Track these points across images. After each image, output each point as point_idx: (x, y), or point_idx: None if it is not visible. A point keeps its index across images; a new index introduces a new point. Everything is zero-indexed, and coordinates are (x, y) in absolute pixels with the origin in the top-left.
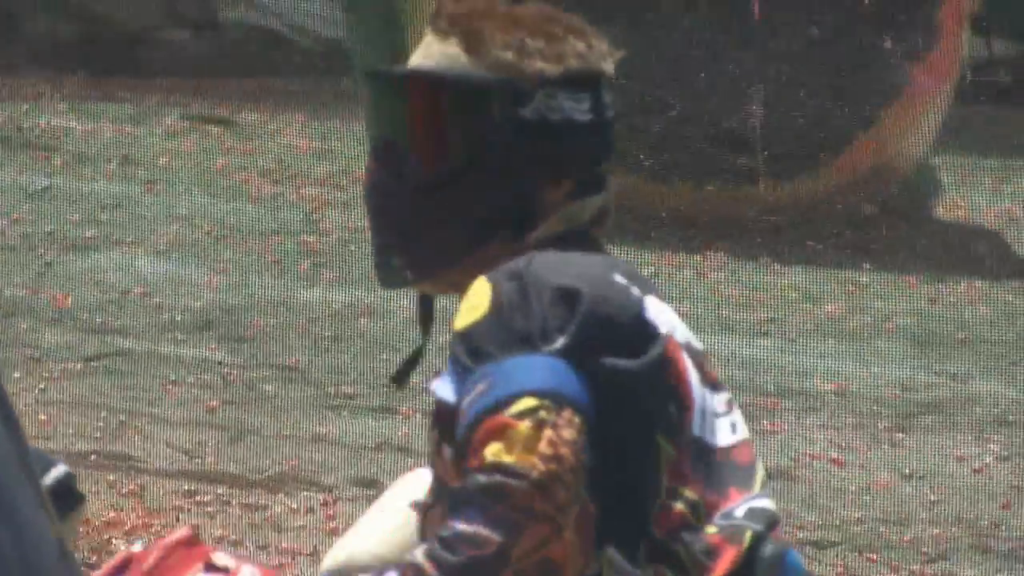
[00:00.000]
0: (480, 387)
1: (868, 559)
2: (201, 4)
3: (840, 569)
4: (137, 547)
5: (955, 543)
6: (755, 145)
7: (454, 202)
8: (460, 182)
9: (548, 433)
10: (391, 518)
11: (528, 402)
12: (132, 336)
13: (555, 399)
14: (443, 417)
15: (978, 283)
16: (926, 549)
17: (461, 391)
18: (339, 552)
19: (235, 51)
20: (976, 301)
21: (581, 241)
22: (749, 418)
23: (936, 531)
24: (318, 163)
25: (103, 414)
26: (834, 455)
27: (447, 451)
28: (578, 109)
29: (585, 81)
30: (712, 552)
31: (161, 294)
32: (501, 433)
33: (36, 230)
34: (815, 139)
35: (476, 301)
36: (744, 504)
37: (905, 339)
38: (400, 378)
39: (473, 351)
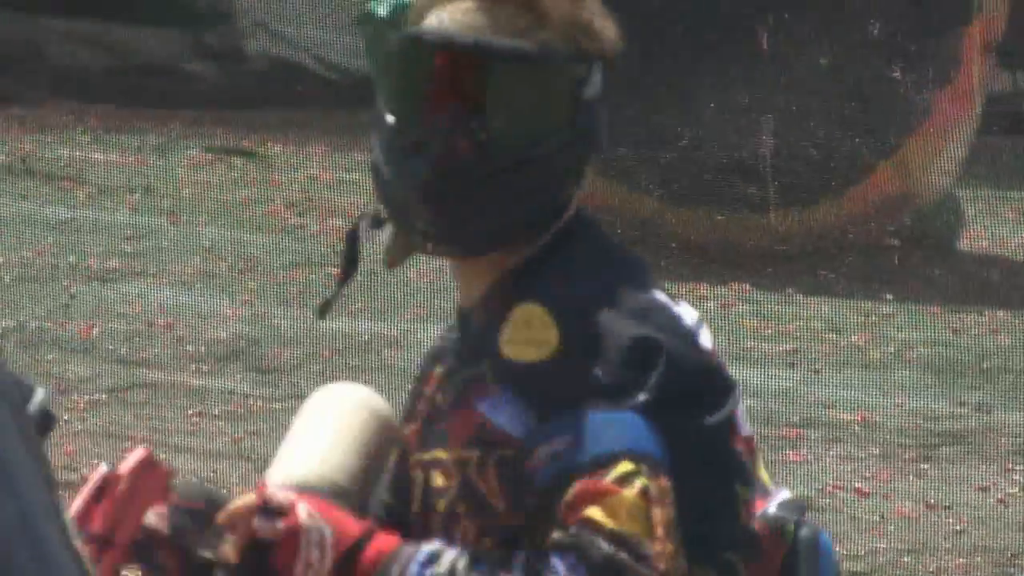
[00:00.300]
0: (565, 440)
1: None
2: (225, 36)
3: None
4: (103, 468)
5: (979, 573)
6: (766, 175)
7: (528, 182)
8: (535, 162)
9: (658, 512)
10: (338, 437)
11: (626, 466)
12: (156, 367)
13: (651, 464)
14: (491, 439)
15: (1000, 313)
16: None
17: (527, 428)
18: (291, 469)
19: (259, 83)
20: (998, 332)
21: (595, 226)
22: (775, 449)
23: (960, 560)
24: (341, 194)
25: (127, 444)
26: (858, 485)
27: (493, 472)
28: (600, 90)
29: (606, 61)
30: (764, 552)
31: (185, 325)
32: (602, 498)
33: (60, 261)
34: (826, 169)
35: (539, 335)
36: (774, 500)
37: (928, 369)
38: (324, 310)
39: (543, 392)
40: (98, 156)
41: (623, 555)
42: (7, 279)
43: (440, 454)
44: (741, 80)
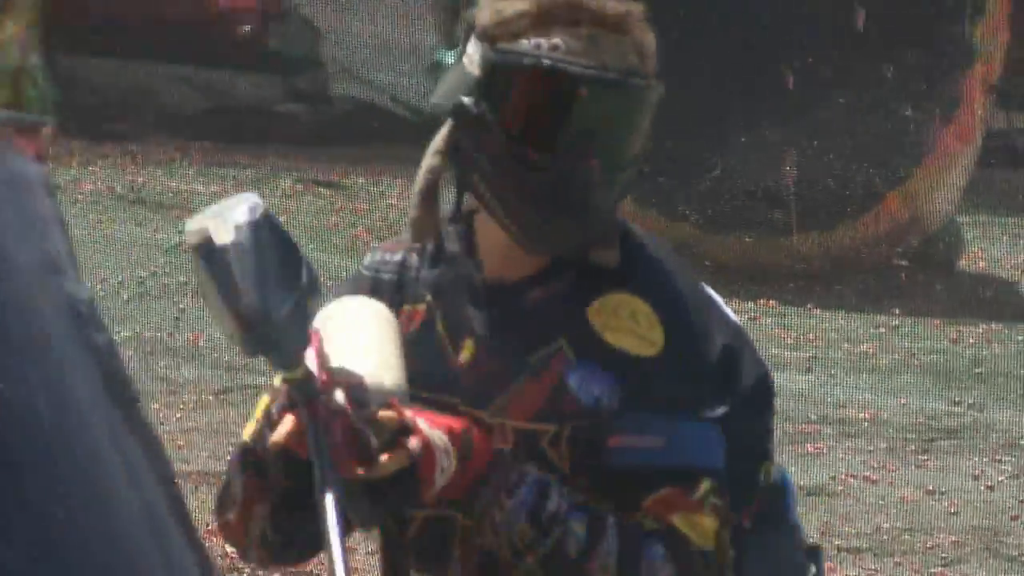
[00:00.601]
0: (656, 440)
1: (895, 563)
2: (314, 81)
3: (871, 571)
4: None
5: (968, 548)
6: (789, 202)
7: (619, 194)
8: (628, 177)
9: (724, 534)
10: (384, 343)
11: (707, 485)
12: (255, 372)
13: (721, 480)
14: (569, 411)
15: (994, 325)
16: (944, 554)
17: (611, 406)
18: (372, 379)
19: (343, 122)
20: (991, 341)
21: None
22: (796, 442)
23: (953, 538)
24: None
25: (234, 439)
26: (867, 474)
27: (566, 443)
28: None
29: None
30: None
31: None
32: (688, 512)
33: (171, 280)
34: (842, 197)
35: (647, 333)
36: None
37: (928, 374)
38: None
39: (642, 386)
40: (201, 187)
41: (703, 572)
42: (125, 296)
43: (496, 417)
44: (768, 117)
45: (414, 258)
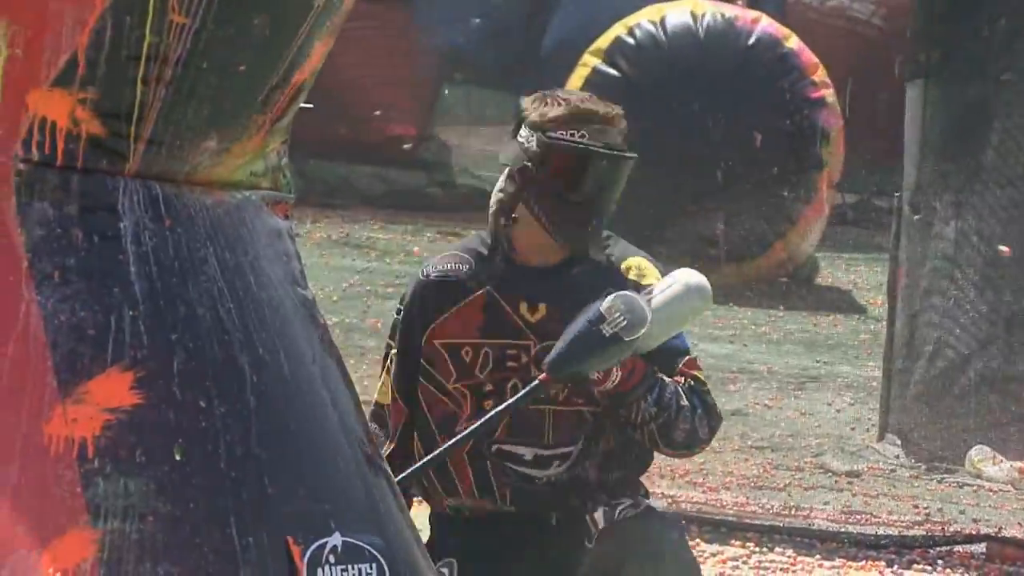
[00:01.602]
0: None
1: (782, 455)
2: (446, 174)
3: (770, 459)
4: None
5: (827, 446)
6: (719, 241)
7: (609, 217)
8: (613, 206)
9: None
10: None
11: (690, 355)
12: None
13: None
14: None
15: (837, 316)
16: (813, 450)
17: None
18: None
19: (465, 200)
20: (837, 325)
21: None
22: (724, 383)
23: (816, 440)
24: None
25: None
26: (766, 403)
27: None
28: None
29: None
30: None
31: None
32: (697, 369)
33: (360, 290)
34: (752, 241)
35: (655, 273)
36: None
37: (801, 343)
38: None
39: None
40: (382, 236)
41: (711, 399)
42: (334, 297)
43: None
44: (704, 194)
45: (472, 263)
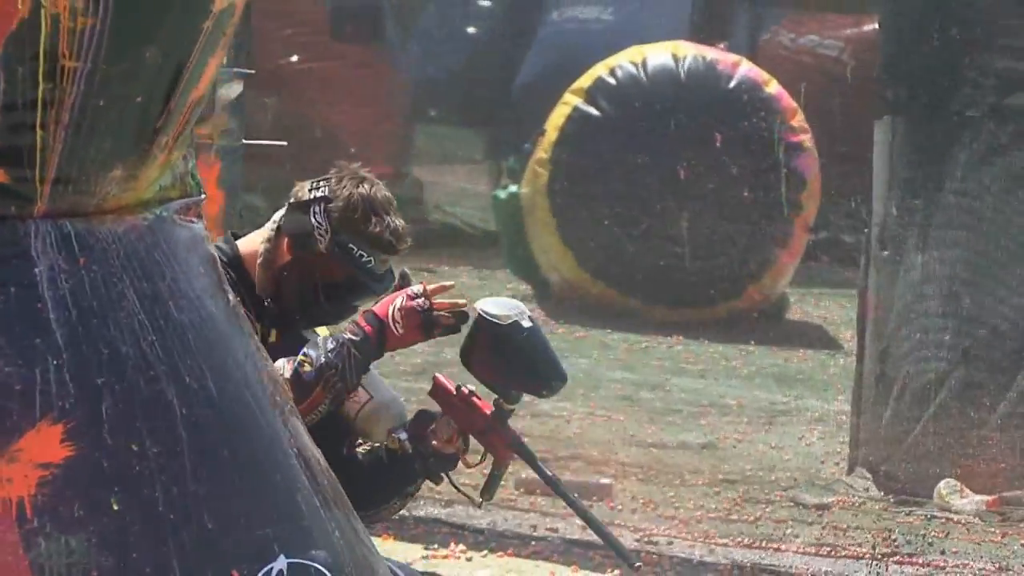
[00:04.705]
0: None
1: (755, 487)
2: (416, 213)
3: (743, 493)
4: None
5: (797, 480)
6: (695, 280)
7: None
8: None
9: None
10: None
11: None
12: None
13: None
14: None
15: (804, 351)
16: (783, 483)
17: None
18: None
19: (436, 238)
20: (805, 359)
21: None
22: (694, 417)
23: (787, 473)
24: None
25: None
26: (737, 436)
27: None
28: None
29: None
30: None
31: None
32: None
33: None
34: (730, 283)
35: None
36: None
37: (771, 377)
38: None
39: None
40: None
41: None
42: None
43: None
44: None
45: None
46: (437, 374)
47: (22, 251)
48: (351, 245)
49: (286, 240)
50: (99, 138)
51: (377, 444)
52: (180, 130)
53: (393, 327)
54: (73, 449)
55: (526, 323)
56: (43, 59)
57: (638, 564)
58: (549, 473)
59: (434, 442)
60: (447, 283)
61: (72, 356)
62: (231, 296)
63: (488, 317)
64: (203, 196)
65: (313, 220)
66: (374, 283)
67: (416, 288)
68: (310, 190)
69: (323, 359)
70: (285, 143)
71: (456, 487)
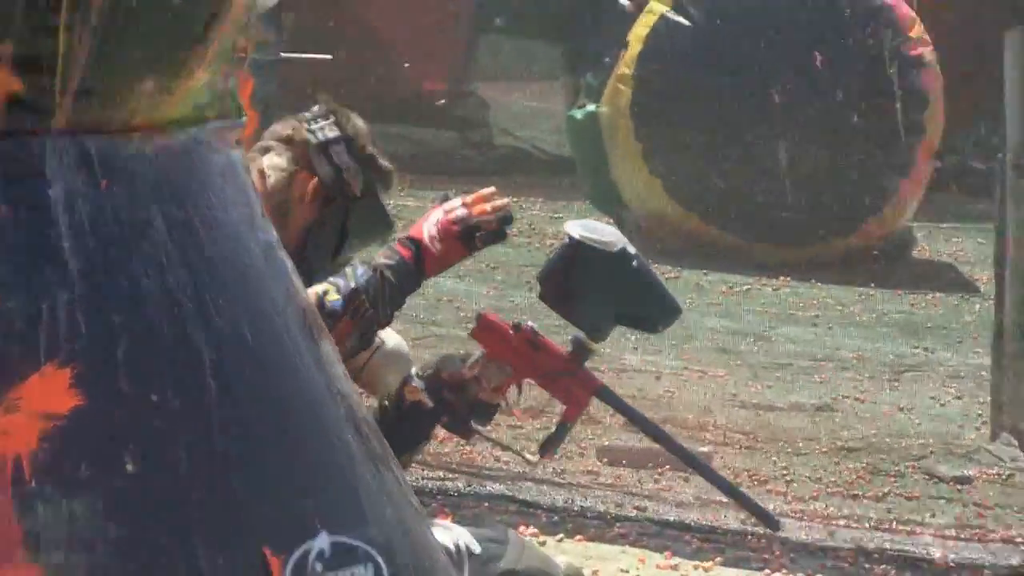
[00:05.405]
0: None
1: (879, 458)
2: (483, 135)
3: (865, 464)
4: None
5: (930, 448)
6: (803, 214)
7: None
8: None
9: None
10: None
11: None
12: (441, 326)
13: None
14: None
15: (936, 294)
16: (913, 452)
17: None
18: None
19: (503, 161)
20: (936, 304)
21: None
22: (807, 374)
23: (919, 441)
24: (552, 224)
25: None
26: (857, 396)
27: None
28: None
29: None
30: None
31: (458, 302)
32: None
33: None
34: (847, 215)
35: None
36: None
37: (895, 327)
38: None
39: None
40: (411, 203)
41: None
42: None
43: None
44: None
45: None
46: (484, 311)
47: (35, 170)
48: (377, 183)
49: (311, 188)
50: (130, 44)
51: (385, 400)
52: (222, 40)
53: (431, 244)
54: (82, 398)
55: (632, 249)
56: None
57: (779, 523)
58: (649, 421)
59: (479, 391)
60: (486, 190)
61: (86, 290)
62: (272, 232)
63: (591, 243)
64: (243, 119)
65: (339, 162)
66: (391, 221)
67: (453, 201)
68: (313, 131)
69: (352, 284)
70: (330, 56)
71: (498, 443)
